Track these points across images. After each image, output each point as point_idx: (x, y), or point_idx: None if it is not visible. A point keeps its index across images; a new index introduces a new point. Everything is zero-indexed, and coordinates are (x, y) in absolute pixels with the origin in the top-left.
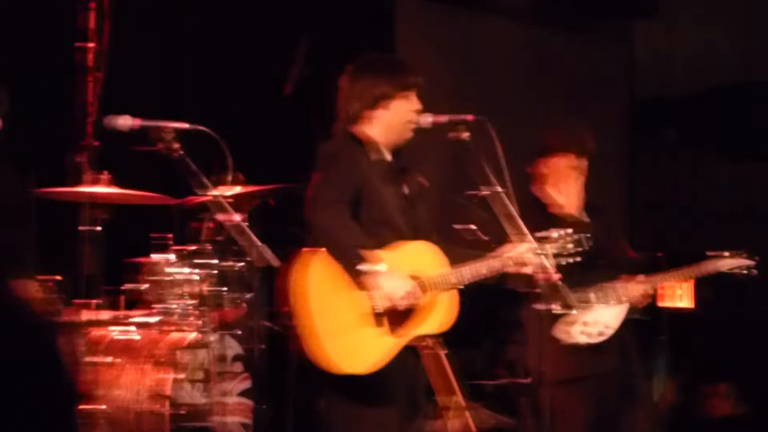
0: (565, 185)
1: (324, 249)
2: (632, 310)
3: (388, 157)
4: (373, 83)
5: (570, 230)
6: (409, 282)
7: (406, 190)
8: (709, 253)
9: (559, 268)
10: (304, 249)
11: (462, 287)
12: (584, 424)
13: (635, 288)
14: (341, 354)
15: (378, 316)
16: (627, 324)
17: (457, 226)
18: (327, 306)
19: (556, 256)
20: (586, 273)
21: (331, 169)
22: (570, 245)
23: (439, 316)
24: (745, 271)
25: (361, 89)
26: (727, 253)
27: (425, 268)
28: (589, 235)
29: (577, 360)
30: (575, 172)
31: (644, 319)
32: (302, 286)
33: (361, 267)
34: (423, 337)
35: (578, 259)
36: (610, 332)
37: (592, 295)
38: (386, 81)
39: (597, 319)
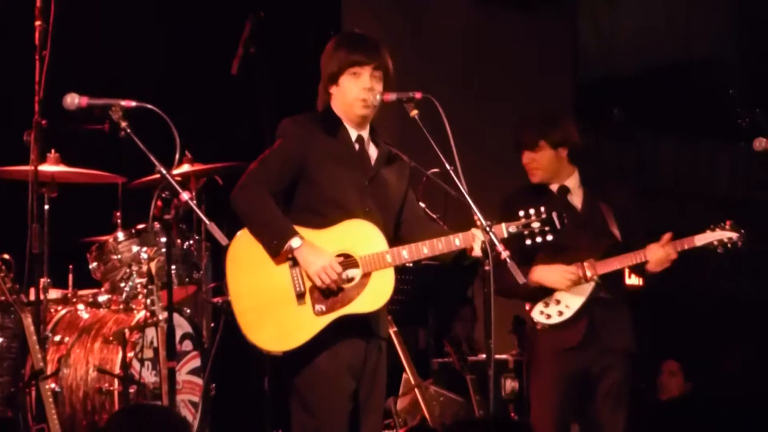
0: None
1: (245, 228)
2: (598, 289)
3: (354, 134)
4: (327, 61)
5: (542, 208)
6: (326, 257)
7: (373, 167)
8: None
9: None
10: None
11: (402, 265)
12: (551, 399)
13: (656, 250)
14: (257, 332)
15: (300, 295)
16: (596, 302)
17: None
18: (245, 284)
19: (523, 235)
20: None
21: (272, 150)
22: (536, 224)
23: (370, 294)
24: (729, 245)
25: (321, 67)
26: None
27: (361, 246)
28: (564, 213)
29: (541, 338)
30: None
31: (609, 297)
32: (225, 265)
33: (276, 242)
34: (354, 316)
35: (549, 238)
36: (570, 313)
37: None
38: (335, 58)
39: (558, 299)
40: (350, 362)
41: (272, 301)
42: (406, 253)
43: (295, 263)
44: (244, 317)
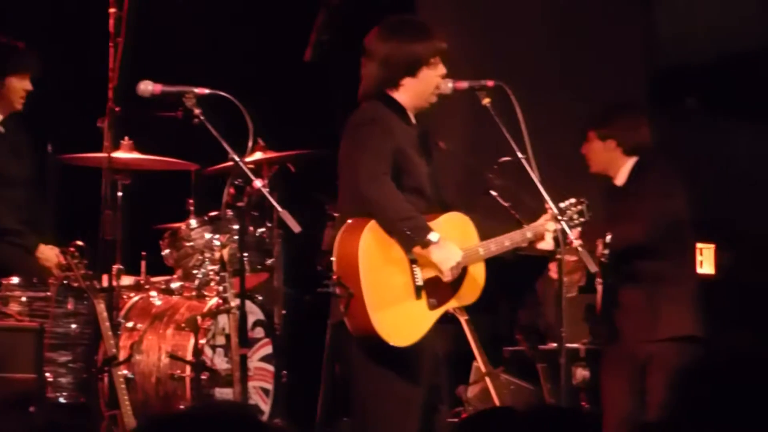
0: None
1: (374, 220)
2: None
3: (413, 122)
4: (403, 49)
5: (573, 200)
6: (458, 252)
7: (431, 156)
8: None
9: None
10: (353, 219)
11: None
12: (617, 390)
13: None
14: (387, 326)
15: (419, 289)
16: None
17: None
18: (376, 278)
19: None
20: None
21: (372, 139)
22: (575, 215)
23: (468, 288)
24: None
25: (391, 55)
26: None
27: (459, 239)
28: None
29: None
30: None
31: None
32: (353, 257)
33: (416, 238)
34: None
35: (579, 228)
36: None
37: None
38: (415, 48)
39: None
40: (433, 348)
41: (398, 296)
42: (494, 246)
43: (413, 258)
44: (377, 313)
